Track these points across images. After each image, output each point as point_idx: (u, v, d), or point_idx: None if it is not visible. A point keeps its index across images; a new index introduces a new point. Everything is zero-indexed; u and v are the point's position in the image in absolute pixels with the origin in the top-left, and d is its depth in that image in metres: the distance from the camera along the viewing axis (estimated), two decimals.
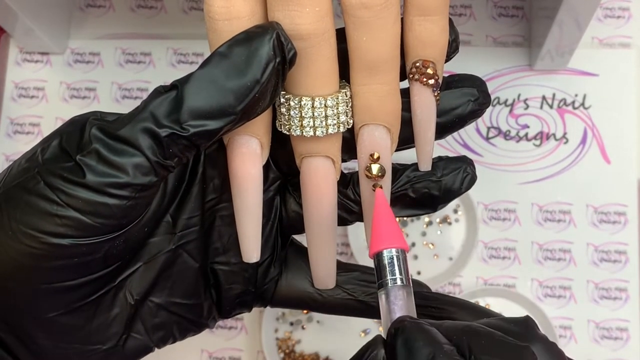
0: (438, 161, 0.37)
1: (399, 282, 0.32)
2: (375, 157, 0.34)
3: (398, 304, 0.32)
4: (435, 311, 0.36)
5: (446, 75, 0.36)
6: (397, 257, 0.33)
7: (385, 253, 0.32)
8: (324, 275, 0.37)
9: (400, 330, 0.30)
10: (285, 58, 0.31)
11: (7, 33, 0.75)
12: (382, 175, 0.35)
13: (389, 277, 0.32)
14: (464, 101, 0.35)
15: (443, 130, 0.36)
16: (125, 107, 0.65)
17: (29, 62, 0.77)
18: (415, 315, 0.32)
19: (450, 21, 0.35)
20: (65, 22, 0.77)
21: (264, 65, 0.30)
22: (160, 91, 0.31)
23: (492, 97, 0.73)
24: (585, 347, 0.68)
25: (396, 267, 0.32)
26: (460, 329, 0.29)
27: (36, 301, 0.32)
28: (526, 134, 0.72)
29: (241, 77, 0.30)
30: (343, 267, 0.39)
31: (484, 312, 0.37)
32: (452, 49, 0.35)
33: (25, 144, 0.75)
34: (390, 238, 0.33)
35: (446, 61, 0.35)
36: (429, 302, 0.37)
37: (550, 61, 0.70)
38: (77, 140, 0.31)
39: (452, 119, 0.35)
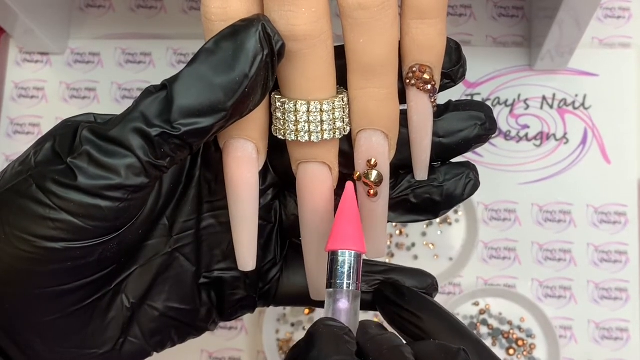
0: (440, 166, 0.36)
1: (345, 286, 0.33)
2: (372, 163, 0.34)
3: (339, 308, 0.33)
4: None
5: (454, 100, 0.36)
6: (350, 261, 0.33)
7: (340, 254, 0.33)
8: (320, 286, 0.37)
9: (312, 333, 0.30)
10: (273, 50, 0.30)
11: (7, 33, 0.75)
12: (380, 182, 0.34)
13: (337, 280, 0.33)
14: (471, 124, 0.35)
15: (447, 151, 0.35)
16: (125, 108, 0.65)
17: (29, 62, 0.77)
18: (356, 319, 0.33)
19: (459, 47, 0.34)
20: (65, 22, 0.77)
21: (251, 59, 0.30)
22: (151, 91, 0.31)
23: (492, 97, 0.73)
24: (586, 348, 0.68)
25: (346, 271, 0.33)
26: (386, 349, 0.30)
27: (31, 306, 0.32)
28: (526, 134, 0.72)
29: (229, 72, 0.30)
30: None
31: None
32: (459, 75, 0.35)
33: (25, 144, 0.75)
34: (348, 239, 0.33)
35: (452, 86, 0.35)
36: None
37: (551, 61, 0.70)
38: (69, 142, 0.31)
39: (458, 140, 0.35)
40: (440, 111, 0.35)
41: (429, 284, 0.38)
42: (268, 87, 0.31)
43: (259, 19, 0.30)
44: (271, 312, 0.70)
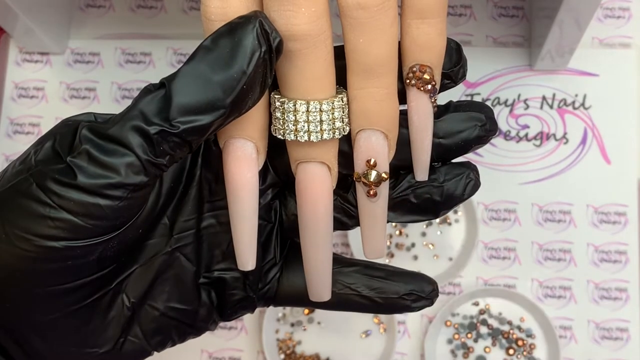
0: (441, 166, 0.36)
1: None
2: (371, 163, 0.34)
3: None
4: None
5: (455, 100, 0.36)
6: None
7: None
8: (319, 286, 0.36)
9: None
10: (271, 47, 0.30)
11: (7, 33, 0.75)
12: (379, 183, 0.34)
13: None
14: (471, 125, 0.35)
15: (446, 152, 0.35)
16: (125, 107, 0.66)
17: (29, 62, 0.77)
18: None
19: (459, 47, 0.34)
20: (65, 22, 0.77)
21: (249, 56, 0.30)
22: (149, 89, 0.31)
23: (492, 97, 0.73)
24: (586, 348, 0.68)
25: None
26: None
27: (32, 305, 0.32)
28: (526, 134, 0.72)
29: (227, 70, 0.30)
30: (344, 262, 0.38)
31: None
32: (460, 76, 0.35)
33: (25, 144, 0.75)
34: None
35: (452, 86, 0.35)
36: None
37: (551, 61, 0.70)
38: (69, 141, 0.31)
39: (457, 142, 0.35)
40: (440, 112, 0.35)
41: (430, 290, 0.38)
42: (266, 84, 0.31)
43: (256, 15, 0.30)
44: (271, 312, 0.70)
